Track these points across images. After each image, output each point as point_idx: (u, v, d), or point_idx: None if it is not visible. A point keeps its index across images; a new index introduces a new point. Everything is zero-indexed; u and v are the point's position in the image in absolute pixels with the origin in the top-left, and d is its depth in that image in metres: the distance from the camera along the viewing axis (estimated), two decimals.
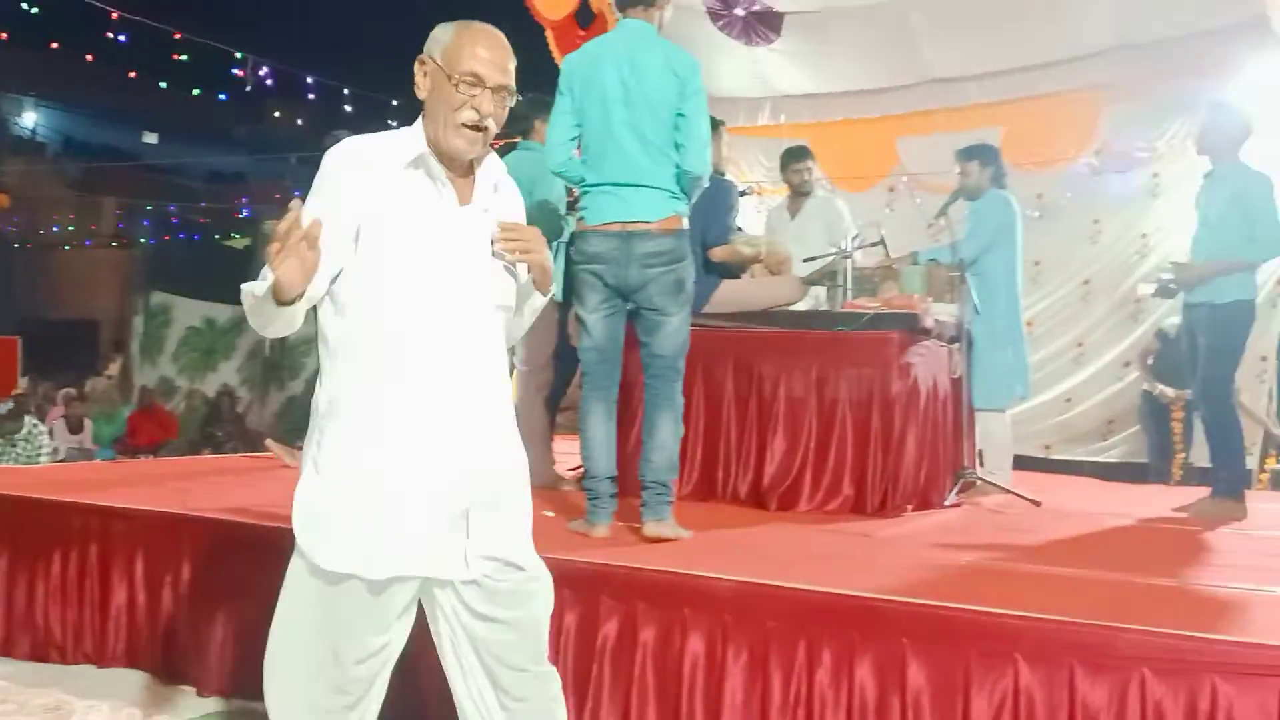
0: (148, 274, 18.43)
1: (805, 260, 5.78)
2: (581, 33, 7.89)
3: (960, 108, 8.74)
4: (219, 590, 3.76)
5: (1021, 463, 6.48)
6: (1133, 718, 2.53)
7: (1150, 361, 7.87)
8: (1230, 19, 7.43)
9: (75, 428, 12.26)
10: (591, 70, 3.95)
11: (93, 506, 4.15)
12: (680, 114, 3.91)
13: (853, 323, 4.95)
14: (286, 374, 14.22)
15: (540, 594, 2.35)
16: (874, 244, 5.83)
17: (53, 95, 26.50)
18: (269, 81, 14.14)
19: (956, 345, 5.46)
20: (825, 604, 2.92)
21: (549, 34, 7.94)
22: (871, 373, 4.81)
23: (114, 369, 16.60)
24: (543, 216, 4.73)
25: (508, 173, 2.41)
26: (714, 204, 5.03)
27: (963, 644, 2.72)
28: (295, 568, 2.25)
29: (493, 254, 2.26)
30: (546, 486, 4.93)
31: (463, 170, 2.29)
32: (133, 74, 16.36)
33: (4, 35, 13.47)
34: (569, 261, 4.26)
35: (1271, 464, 7.82)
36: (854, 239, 5.63)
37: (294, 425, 6.44)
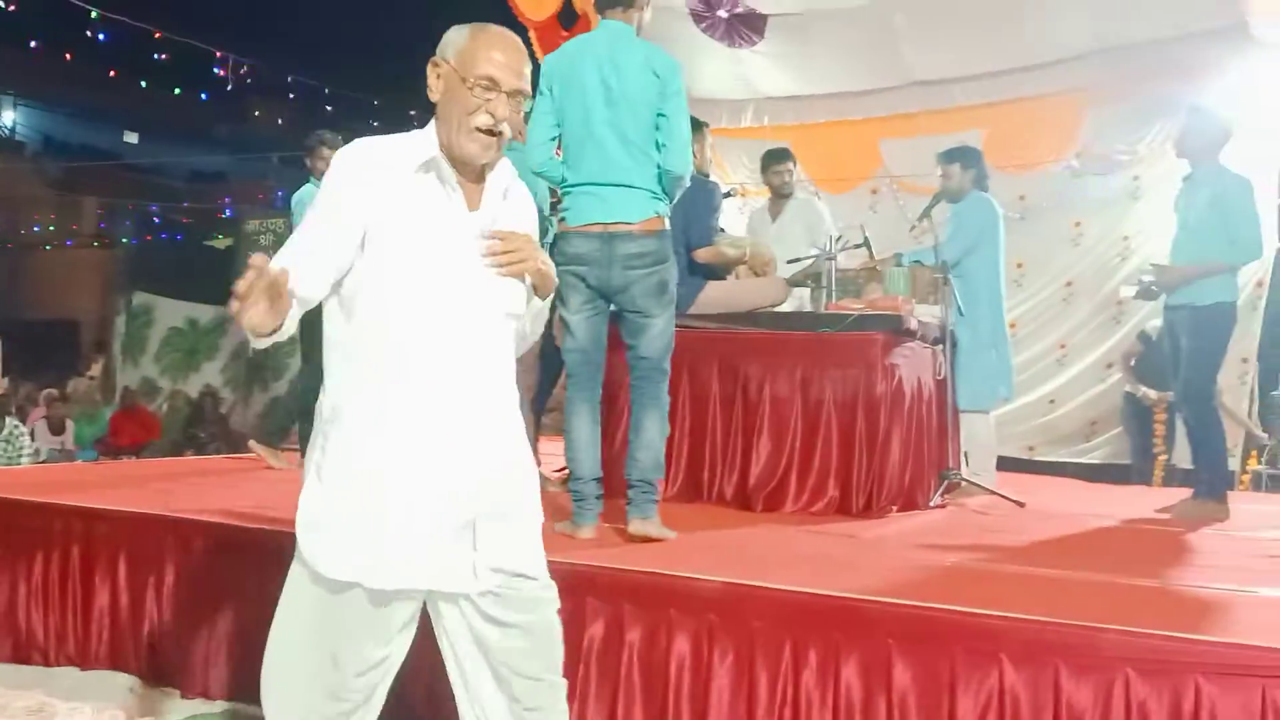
0: (129, 274, 18.31)
1: (789, 262, 5.80)
2: (565, 33, 7.88)
3: (942, 110, 8.77)
4: (202, 592, 3.75)
5: (1005, 464, 6.51)
6: (1117, 718, 2.54)
7: (1133, 363, 7.90)
8: (1210, 23, 7.47)
9: (57, 429, 12.19)
10: (571, 70, 3.94)
11: (75, 508, 4.12)
12: (661, 114, 3.91)
13: (837, 324, 4.96)
14: (270, 375, 14.15)
15: (554, 601, 2.32)
16: (858, 246, 5.84)
17: (32, 94, 26.35)
18: (249, 81, 14.10)
19: (940, 347, 5.48)
20: (811, 605, 2.93)
21: (532, 34, 7.92)
22: (856, 374, 4.82)
23: (96, 369, 16.52)
24: None
25: None
26: (698, 205, 5.04)
27: (948, 644, 2.72)
28: (296, 574, 2.24)
29: (486, 265, 2.23)
30: None
31: (474, 175, 2.27)
32: (113, 73, 16.29)
33: None
34: None
35: (1253, 465, 7.88)
36: (838, 241, 5.65)
37: (277, 426, 6.42)
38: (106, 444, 12.45)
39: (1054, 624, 2.67)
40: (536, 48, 7.96)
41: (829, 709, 2.83)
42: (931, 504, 5.15)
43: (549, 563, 2.35)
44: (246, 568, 3.66)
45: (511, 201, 2.34)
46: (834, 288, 5.47)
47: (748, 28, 8.67)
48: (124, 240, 20.98)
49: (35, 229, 22.38)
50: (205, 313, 15.68)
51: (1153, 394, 7.68)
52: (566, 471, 4.07)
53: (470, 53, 2.21)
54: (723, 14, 8.54)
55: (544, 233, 5.05)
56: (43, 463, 10.25)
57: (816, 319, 5.17)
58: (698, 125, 5.12)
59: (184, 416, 14.55)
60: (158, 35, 12.93)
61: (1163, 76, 7.65)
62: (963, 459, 5.68)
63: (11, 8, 12.66)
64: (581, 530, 3.89)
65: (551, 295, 2.43)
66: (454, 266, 2.19)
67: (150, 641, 3.84)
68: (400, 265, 2.16)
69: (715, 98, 9.32)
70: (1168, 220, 5.50)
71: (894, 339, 4.97)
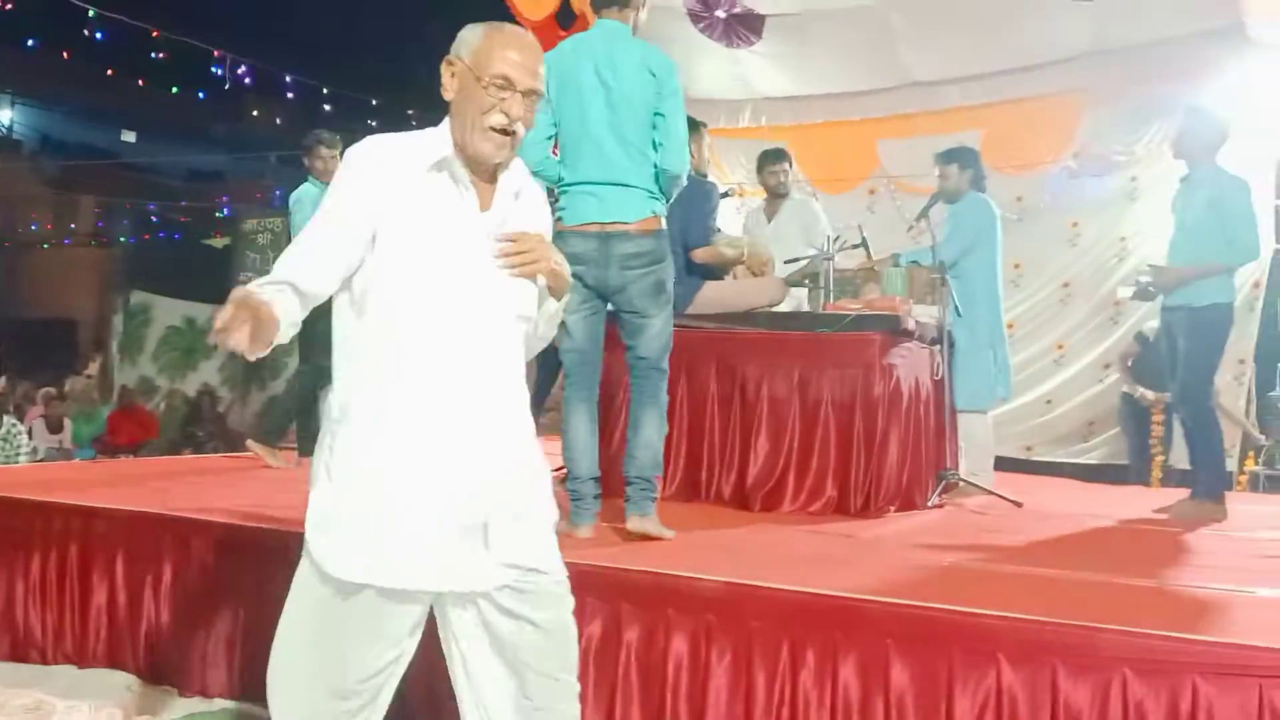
0: (127, 273, 18.30)
1: (786, 262, 5.81)
2: (562, 32, 7.88)
3: (940, 111, 8.78)
4: (200, 590, 3.75)
5: (1003, 464, 6.52)
6: (1115, 717, 2.54)
7: (1130, 364, 7.91)
8: (1207, 24, 7.48)
9: (55, 427, 12.18)
10: (568, 69, 3.93)
11: (73, 506, 4.12)
12: (659, 113, 3.91)
13: (835, 324, 4.97)
14: (268, 374, 14.14)
15: (569, 600, 2.31)
16: (855, 246, 5.85)
17: (29, 93, 26.30)
18: (247, 80, 14.07)
19: (938, 347, 5.48)
20: (809, 604, 2.93)
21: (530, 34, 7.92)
22: (854, 374, 4.83)
23: (93, 368, 16.51)
24: None
25: None
26: (696, 205, 5.05)
27: (945, 644, 2.73)
28: (304, 573, 2.22)
29: (498, 266, 2.21)
30: None
31: (487, 175, 2.25)
32: (111, 72, 16.27)
33: None
34: None
35: (1250, 465, 7.89)
36: (836, 241, 5.65)
37: (275, 425, 6.42)
38: (104, 443, 12.44)
39: (1052, 624, 2.67)
40: None
41: (827, 708, 2.83)
42: (929, 504, 5.15)
43: None
44: (244, 566, 3.66)
45: (524, 202, 2.32)
46: (832, 288, 5.48)
47: (745, 28, 8.67)
48: (122, 239, 20.95)
49: (33, 227, 22.34)
50: (203, 311, 15.65)
51: (1150, 394, 7.69)
52: (564, 471, 4.07)
53: (485, 51, 2.20)
54: (721, 14, 8.54)
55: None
56: (40, 461, 10.25)
57: (814, 319, 5.17)
58: (695, 125, 5.12)
59: (182, 415, 14.55)
60: (155, 34, 12.90)
61: (1160, 77, 7.67)
62: (960, 459, 5.69)
63: (9, 6, 12.64)
64: (579, 530, 3.89)
65: (567, 296, 2.41)
66: (464, 267, 2.18)
67: (148, 640, 3.84)
68: (410, 264, 2.15)
69: (713, 98, 9.32)
70: (1165, 221, 5.51)
71: (892, 339, 4.97)
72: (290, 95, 15.15)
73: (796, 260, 5.84)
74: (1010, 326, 7.35)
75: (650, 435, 3.96)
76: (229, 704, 3.61)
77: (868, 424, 4.80)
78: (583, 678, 3.11)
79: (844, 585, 3.02)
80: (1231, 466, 7.40)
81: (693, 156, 4.83)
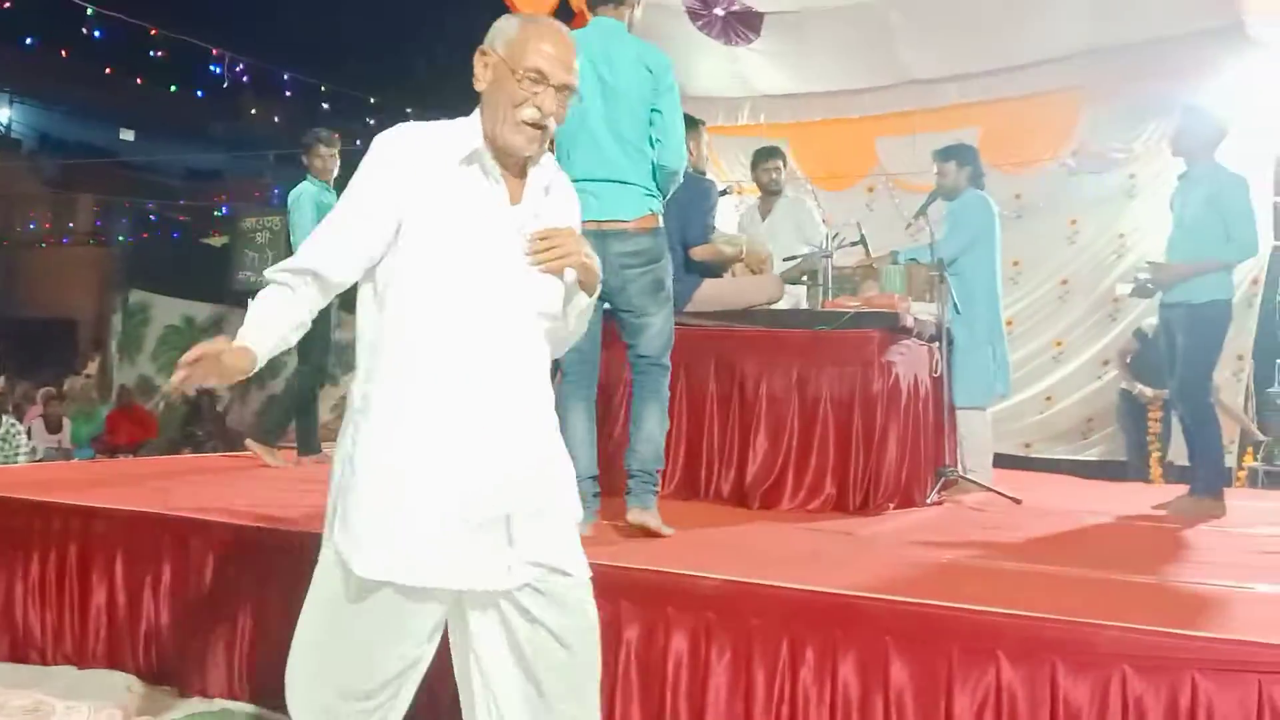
0: (126, 272, 18.30)
1: (785, 259, 5.82)
2: None
3: (938, 109, 8.80)
4: (200, 590, 3.75)
5: (1002, 461, 6.53)
6: (1114, 714, 2.54)
7: (1129, 360, 7.92)
8: (1205, 22, 7.49)
9: (54, 427, 12.19)
10: None
11: (72, 506, 4.12)
12: (656, 110, 3.92)
13: (834, 321, 4.97)
14: (267, 373, 14.12)
15: (592, 603, 2.27)
16: (854, 243, 5.86)
17: (28, 91, 26.28)
18: (246, 78, 14.06)
19: (936, 344, 5.48)
20: (808, 602, 2.93)
21: None
22: (853, 371, 4.83)
23: (92, 368, 16.50)
24: None
25: None
26: (694, 203, 5.05)
27: (945, 641, 2.73)
28: (325, 569, 2.19)
29: (527, 262, 2.18)
30: None
31: (517, 169, 2.24)
32: (109, 70, 16.25)
33: None
34: None
35: (1249, 461, 7.89)
36: (834, 238, 5.66)
37: (274, 424, 6.42)
38: (103, 442, 12.44)
39: (1051, 620, 2.67)
40: None
41: (826, 706, 2.83)
42: (928, 501, 5.16)
43: None
44: (244, 566, 3.67)
45: (554, 197, 2.31)
46: (830, 285, 5.48)
47: (744, 25, 8.68)
48: (120, 238, 20.94)
49: (31, 227, 22.32)
50: (202, 310, 15.67)
51: (1148, 391, 7.69)
52: None
53: (520, 44, 2.17)
54: (719, 12, 8.55)
55: None
56: (40, 461, 10.25)
57: (813, 316, 5.18)
58: (694, 123, 5.12)
59: (181, 415, 14.54)
60: (154, 32, 12.88)
61: (1158, 75, 7.67)
62: (959, 456, 5.69)
63: (7, 4, 12.63)
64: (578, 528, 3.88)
65: (598, 291, 2.37)
66: (491, 261, 2.15)
67: (148, 640, 3.84)
68: (436, 257, 2.13)
69: (711, 95, 9.32)
70: (1163, 218, 5.51)
71: (890, 336, 4.97)
72: (289, 94, 15.13)
73: (794, 258, 5.84)
74: (1009, 323, 7.36)
75: (652, 429, 3.97)
76: (229, 704, 3.60)
77: (866, 421, 4.80)
78: None
79: (843, 583, 3.02)
80: (1230, 463, 7.43)
81: (691, 154, 4.83)
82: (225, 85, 14.00)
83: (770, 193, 6.82)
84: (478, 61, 2.23)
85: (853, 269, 5.81)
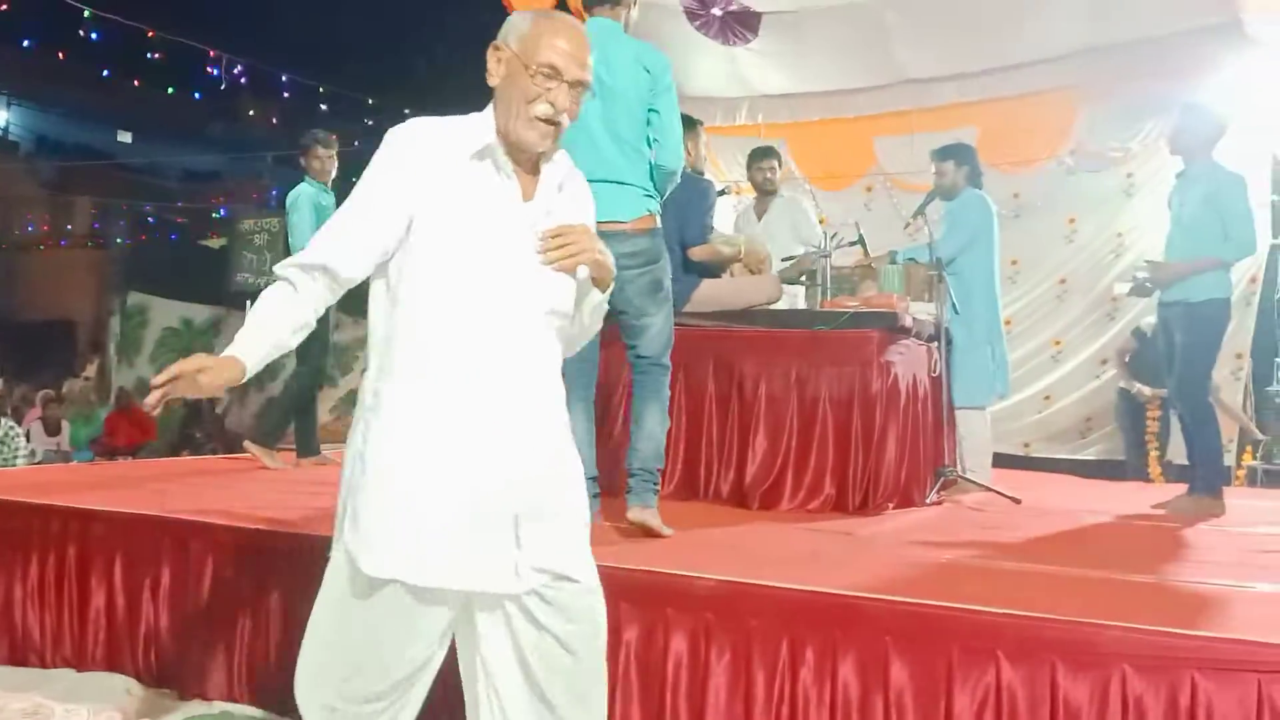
0: (124, 274, 18.28)
1: (784, 260, 5.82)
2: None
3: (936, 108, 8.79)
4: (199, 592, 3.74)
5: (1001, 460, 6.53)
6: (1114, 713, 2.54)
7: (1127, 359, 7.92)
8: (1203, 20, 7.49)
9: (53, 430, 12.18)
10: None
11: (71, 509, 4.11)
12: (653, 109, 3.92)
13: (833, 321, 4.97)
14: (265, 375, 14.13)
15: (600, 610, 2.24)
16: (852, 243, 5.86)
17: (25, 94, 26.28)
18: (243, 80, 14.06)
19: (935, 344, 5.48)
20: (807, 603, 2.93)
21: None
22: (852, 371, 4.83)
23: (91, 370, 16.50)
24: None
25: None
26: (693, 203, 5.05)
27: (944, 641, 2.72)
28: (335, 569, 2.17)
29: (540, 259, 2.16)
30: None
31: (530, 165, 2.22)
32: (106, 72, 16.24)
33: None
34: None
35: (1248, 460, 7.90)
36: (832, 238, 5.66)
37: (273, 427, 6.41)
38: (102, 445, 12.44)
39: (1050, 620, 2.67)
40: None
41: (826, 706, 2.83)
42: (927, 501, 5.16)
43: None
44: (243, 568, 3.66)
45: (567, 195, 2.29)
46: (829, 285, 5.48)
47: (741, 25, 8.68)
48: (118, 240, 20.94)
49: (29, 229, 22.32)
50: (200, 313, 15.66)
51: (1146, 390, 7.69)
52: None
53: (534, 39, 2.15)
54: (717, 12, 8.54)
55: None
56: (38, 464, 10.25)
57: (812, 316, 5.18)
58: (692, 123, 5.12)
59: (180, 417, 14.53)
60: (151, 34, 12.88)
61: (1156, 73, 7.67)
62: (958, 456, 5.69)
63: (4, 7, 12.61)
64: None
65: (611, 287, 2.36)
66: (502, 258, 2.14)
67: (147, 643, 3.83)
68: (447, 253, 2.11)
69: (709, 95, 9.32)
70: (1162, 217, 5.51)
71: (889, 336, 4.97)
72: (286, 95, 15.13)
73: (792, 258, 5.85)
74: (1008, 323, 7.37)
75: (653, 427, 3.97)
76: (229, 707, 3.60)
77: (865, 421, 4.80)
78: None
79: (843, 583, 3.02)
80: (1229, 461, 7.42)
81: (689, 154, 4.84)
82: (223, 87, 13.99)
83: (765, 193, 6.83)
84: (491, 56, 2.21)
85: (851, 269, 5.81)
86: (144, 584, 3.86)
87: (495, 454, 2.11)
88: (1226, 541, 4.42)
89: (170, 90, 16.63)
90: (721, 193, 6.00)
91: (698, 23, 8.63)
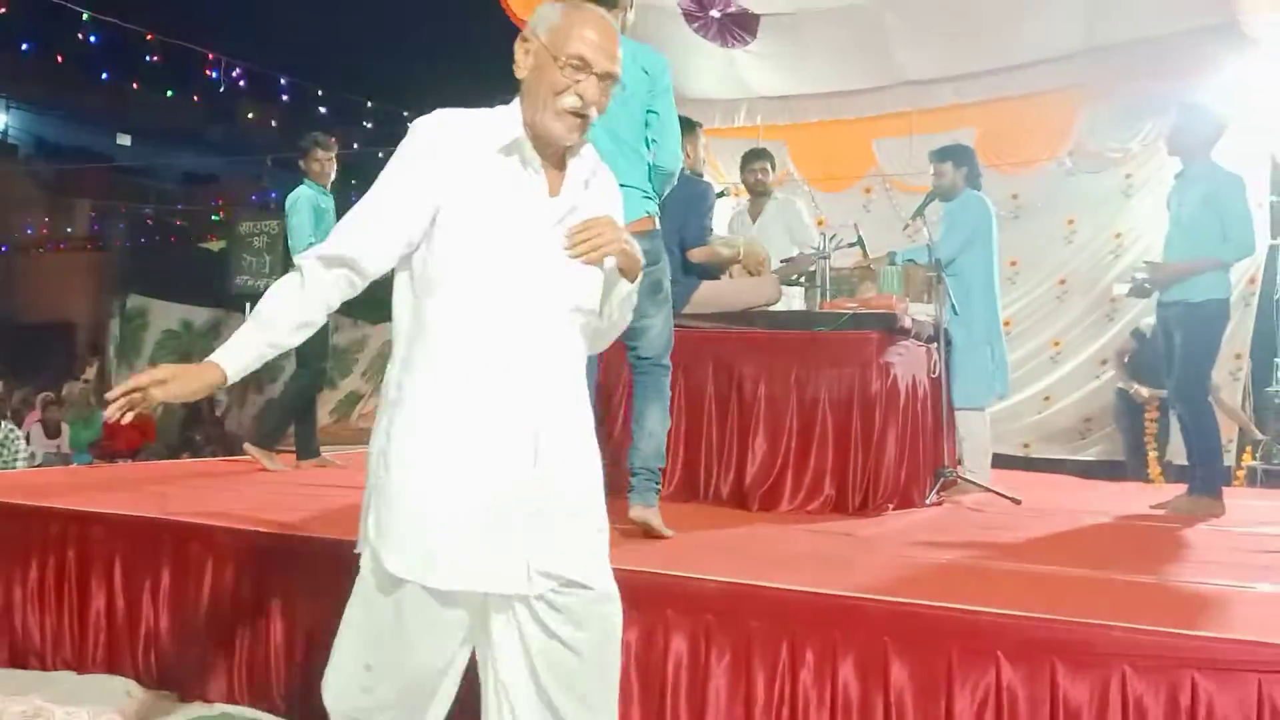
0: (123, 276, 18.29)
1: (782, 261, 5.82)
2: None
3: (934, 109, 8.82)
4: (199, 595, 3.74)
5: (1000, 461, 6.53)
6: (1114, 714, 2.54)
7: (1126, 360, 7.92)
8: (1201, 21, 7.50)
9: (52, 432, 12.16)
10: None
11: (71, 511, 4.11)
12: (652, 111, 3.92)
13: (832, 323, 4.97)
14: (265, 377, 14.12)
15: (613, 616, 2.21)
16: (851, 245, 5.86)
17: (24, 97, 26.31)
18: (242, 83, 14.07)
19: (934, 345, 5.48)
20: (807, 604, 2.93)
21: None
22: (851, 372, 4.83)
23: (91, 373, 16.47)
24: None
25: None
26: (692, 205, 5.05)
27: (944, 642, 2.73)
28: (364, 570, 2.16)
29: (566, 255, 2.13)
30: None
31: (557, 160, 2.19)
32: (105, 75, 16.26)
33: None
34: None
35: (1248, 460, 7.90)
36: (832, 239, 5.66)
37: (273, 428, 6.41)
38: (102, 447, 12.42)
39: (1050, 621, 2.67)
40: None
41: (826, 707, 2.83)
42: (927, 502, 5.16)
43: None
44: (243, 570, 3.66)
45: (594, 192, 2.25)
46: (828, 287, 5.48)
47: (740, 27, 8.68)
48: (118, 243, 20.95)
49: (29, 232, 22.34)
50: (200, 315, 15.65)
51: (1144, 391, 7.69)
52: None
53: (563, 30, 2.13)
54: (715, 14, 8.55)
55: None
56: (38, 466, 10.23)
57: (811, 318, 5.18)
58: (691, 125, 5.12)
59: (179, 419, 14.52)
60: (149, 37, 12.88)
61: (1155, 74, 7.68)
62: (958, 457, 5.69)
63: (2, 10, 12.62)
64: None
65: (639, 278, 2.32)
66: (526, 254, 2.11)
67: (147, 645, 3.83)
68: (471, 248, 2.09)
69: (708, 97, 9.34)
70: (1160, 217, 5.51)
71: (889, 337, 4.97)
72: (285, 97, 15.14)
73: (790, 259, 5.85)
74: (1007, 324, 7.36)
75: (654, 426, 3.98)
76: (230, 708, 3.60)
77: (865, 422, 4.80)
78: None
79: (843, 584, 3.02)
80: (1229, 462, 7.42)
81: (688, 156, 4.84)
82: (221, 90, 14.00)
83: (758, 194, 6.85)
84: (519, 48, 2.19)
85: (850, 270, 5.81)
86: (144, 586, 3.86)
87: (512, 453, 2.09)
88: (1226, 542, 4.42)
89: (169, 93, 16.67)
90: (720, 194, 6.00)
91: (696, 25, 8.64)
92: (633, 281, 2.29)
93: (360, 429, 13.09)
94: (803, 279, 5.73)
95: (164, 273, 17.18)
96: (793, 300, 5.56)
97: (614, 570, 2.98)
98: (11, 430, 9.75)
